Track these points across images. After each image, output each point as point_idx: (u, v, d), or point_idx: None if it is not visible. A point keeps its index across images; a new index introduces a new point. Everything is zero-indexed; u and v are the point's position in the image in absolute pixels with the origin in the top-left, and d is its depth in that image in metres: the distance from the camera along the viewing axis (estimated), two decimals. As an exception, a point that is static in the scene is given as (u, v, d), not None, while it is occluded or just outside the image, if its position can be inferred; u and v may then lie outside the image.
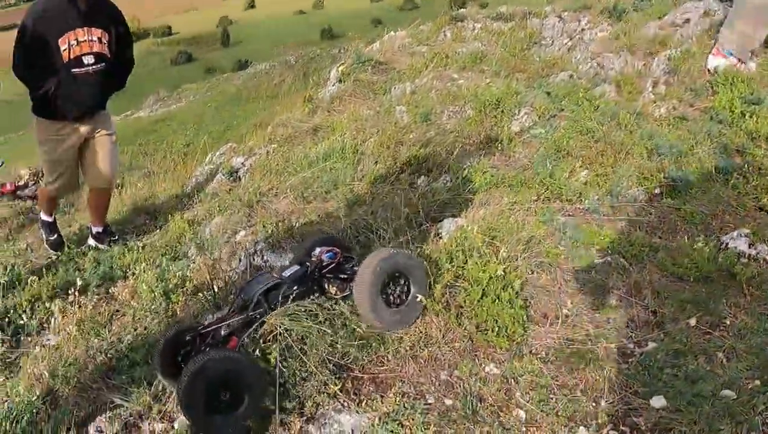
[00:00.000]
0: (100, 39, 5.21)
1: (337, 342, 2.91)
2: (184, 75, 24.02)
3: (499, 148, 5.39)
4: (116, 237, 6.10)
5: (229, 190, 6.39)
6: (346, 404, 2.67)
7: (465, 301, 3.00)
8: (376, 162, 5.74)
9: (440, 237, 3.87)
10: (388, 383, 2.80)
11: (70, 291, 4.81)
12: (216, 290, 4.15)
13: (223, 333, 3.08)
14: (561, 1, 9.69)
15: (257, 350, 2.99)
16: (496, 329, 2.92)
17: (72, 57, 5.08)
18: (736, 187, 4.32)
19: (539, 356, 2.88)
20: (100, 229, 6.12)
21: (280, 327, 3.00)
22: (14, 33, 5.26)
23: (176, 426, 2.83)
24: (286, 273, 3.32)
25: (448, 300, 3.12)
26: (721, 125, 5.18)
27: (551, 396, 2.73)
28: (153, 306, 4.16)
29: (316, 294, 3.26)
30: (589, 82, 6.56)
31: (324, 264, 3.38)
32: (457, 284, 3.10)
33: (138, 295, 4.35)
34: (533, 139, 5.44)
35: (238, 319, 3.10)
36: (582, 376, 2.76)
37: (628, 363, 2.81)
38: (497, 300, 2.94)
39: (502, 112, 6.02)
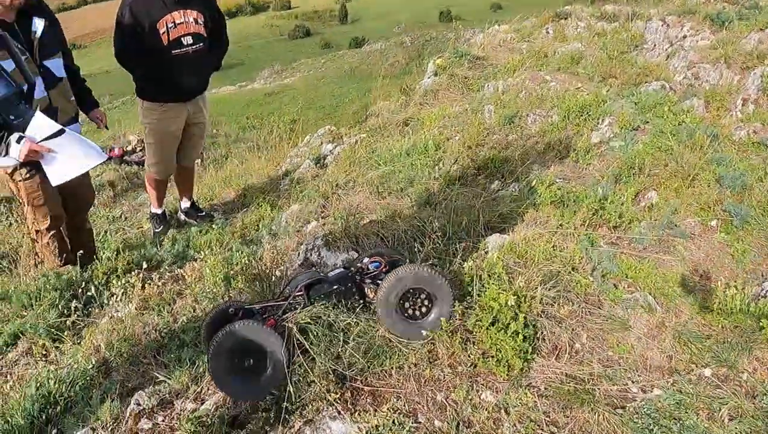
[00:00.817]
0: (196, 20, 5.38)
1: (345, 352, 3.02)
2: (300, 49, 24.49)
3: (574, 159, 5.37)
4: (203, 213, 6.38)
5: (314, 176, 6.60)
6: (341, 413, 2.75)
7: (474, 326, 3.03)
8: (456, 161, 5.82)
9: (486, 253, 3.92)
10: (385, 397, 2.86)
11: (144, 267, 5.19)
12: (273, 280, 4.33)
13: (264, 314, 3.34)
14: (668, 4, 9.42)
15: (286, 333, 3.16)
16: (499, 358, 2.93)
17: (171, 39, 5.26)
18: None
19: (537, 389, 2.87)
20: (188, 204, 6.42)
21: (296, 325, 3.17)
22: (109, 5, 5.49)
23: (204, 406, 2.98)
24: (332, 272, 3.52)
25: (460, 324, 3.14)
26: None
27: (539, 431, 2.72)
28: (213, 290, 4.31)
29: (356, 297, 3.40)
30: (679, 95, 6.40)
31: (367, 271, 3.54)
32: (471, 308, 3.14)
33: (202, 278, 4.52)
34: (610, 151, 5.39)
35: (279, 304, 3.36)
36: (574, 416, 2.73)
37: (625, 409, 2.75)
38: (504, 330, 2.95)
39: (585, 120, 5.97)
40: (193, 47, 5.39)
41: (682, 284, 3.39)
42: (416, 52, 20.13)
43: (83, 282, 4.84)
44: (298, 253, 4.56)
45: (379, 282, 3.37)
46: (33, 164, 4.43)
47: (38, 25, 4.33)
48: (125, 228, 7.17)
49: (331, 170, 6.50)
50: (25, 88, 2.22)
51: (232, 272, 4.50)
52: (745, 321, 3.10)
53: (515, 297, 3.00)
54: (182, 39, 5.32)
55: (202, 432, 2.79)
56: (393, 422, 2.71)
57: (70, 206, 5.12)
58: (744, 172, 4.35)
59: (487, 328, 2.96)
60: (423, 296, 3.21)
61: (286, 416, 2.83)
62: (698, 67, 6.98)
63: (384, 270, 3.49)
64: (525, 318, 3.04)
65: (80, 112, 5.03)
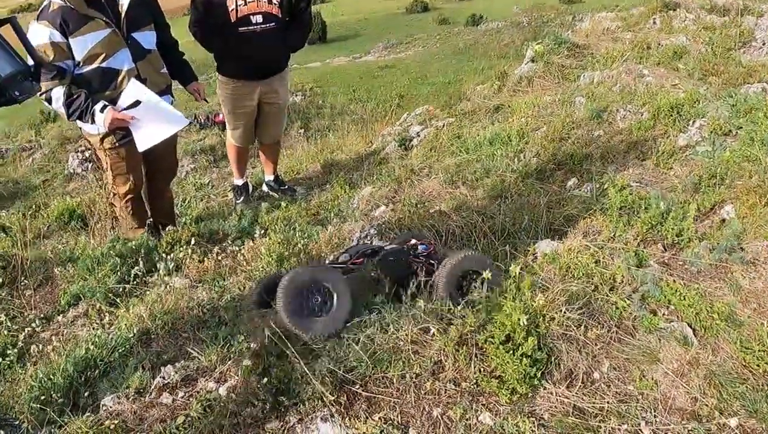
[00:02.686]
0: (269, 0, 5.28)
1: (350, 353, 2.92)
2: (417, 24, 24.22)
3: (655, 162, 5.03)
4: (285, 187, 6.38)
5: (398, 158, 6.47)
6: (334, 415, 2.64)
7: (485, 342, 2.82)
8: (537, 154, 5.58)
9: (535, 259, 3.72)
10: (380, 405, 2.71)
11: (208, 239, 5.23)
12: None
13: None
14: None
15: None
16: (503, 379, 2.71)
17: (239, 16, 5.18)
18: None
19: (539, 418, 2.62)
20: (272, 178, 6.43)
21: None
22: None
23: (221, 390, 2.91)
24: (388, 246, 3.67)
25: (471, 337, 2.93)
26: None
27: (528, 464, 2.53)
28: (266, 270, 4.23)
29: (406, 272, 3.44)
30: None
31: (417, 250, 3.63)
32: (491, 322, 2.95)
33: (259, 256, 4.43)
34: (695, 156, 5.02)
35: (339, 264, 3.52)
36: (570, 452, 2.51)
37: (628, 453, 2.49)
38: (513, 351, 2.72)
39: (675, 120, 5.59)
40: (262, 26, 5.28)
41: (729, 318, 3.02)
42: (532, 34, 19.53)
43: (148, 250, 4.91)
44: (353, 240, 4.48)
45: (431, 261, 3.51)
46: (122, 133, 4.53)
47: None
48: (211, 195, 7.28)
49: (414, 153, 6.36)
50: (32, 66, 2.22)
51: (287, 253, 4.46)
52: (789, 368, 2.73)
53: (527, 316, 2.77)
54: (251, 17, 5.23)
55: (208, 414, 2.75)
56: (382, 432, 2.58)
57: (153, 174, 5.22)
58: None
59: (498, 346, 2.76)
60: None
61: (282, 409, 2.75)
62: (807, 70, 6.44)
63: (432, 252, 3.59)
64: (539, 339, 2.82)
65: (174, 85, 5.09)
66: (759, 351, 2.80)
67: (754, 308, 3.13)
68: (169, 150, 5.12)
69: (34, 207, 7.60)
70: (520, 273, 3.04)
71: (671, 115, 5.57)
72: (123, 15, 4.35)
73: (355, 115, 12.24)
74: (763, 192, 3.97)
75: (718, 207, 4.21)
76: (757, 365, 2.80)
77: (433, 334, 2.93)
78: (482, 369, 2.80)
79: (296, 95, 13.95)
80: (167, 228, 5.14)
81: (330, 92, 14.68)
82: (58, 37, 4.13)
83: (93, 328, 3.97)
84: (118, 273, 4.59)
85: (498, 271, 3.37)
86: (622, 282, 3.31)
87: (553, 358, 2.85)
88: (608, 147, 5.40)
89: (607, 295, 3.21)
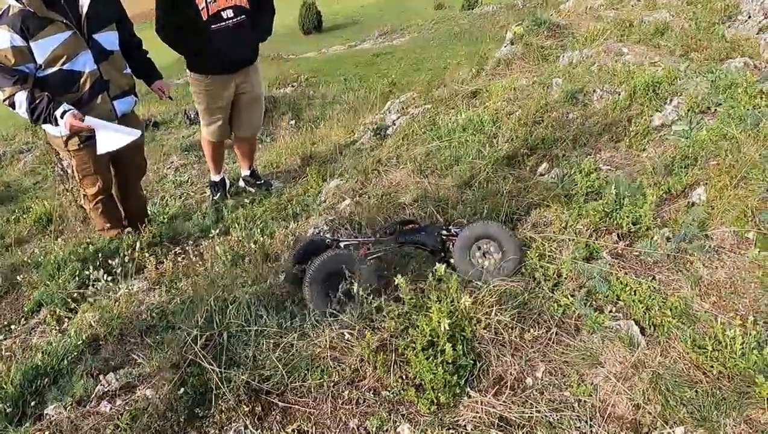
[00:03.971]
0: None
1: (266, 362, 2.67)
2: (412, 9, 23.86)
3: (627, 144, 4.73)
4: (261, 181, 6.14)
5: (373, 148, 6.20)
6: (248, 427, 2.43)
7: (407, 348, 2.57)
8: (510, 139, 5.29)
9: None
10: (295, 416, 2.48)
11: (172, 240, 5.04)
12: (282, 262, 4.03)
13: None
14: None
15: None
16: (424, 388, 2.46)
17: (210, 14, 4.98)
18: None
19: (462, 430, 2.35)
20: (248, 172, 6.20)
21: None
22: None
23: (151, 399, 2.74)
24: (422, 223, 3.80)
25: (391, 343, 2.70)
26: None
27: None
28: (219, 271, 4.02)
29: (439, 247, 3.56)
30: (763, 74, 5.56)
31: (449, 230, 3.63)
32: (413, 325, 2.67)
33: (216, 257, 4.25)
34: (670, 137, 4.72)
35: (370, 239, 3.65)
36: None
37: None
38: (433, 357, 2.46)
39: (652, 99, 5.27)
40: (234, 20, 5.08)
41: (683, 313, 2.70)
42: (527, 15, 19.17)
43: (109, 253, 4.74)
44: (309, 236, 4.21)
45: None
46: (86, 135, 4.42)
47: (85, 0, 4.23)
48: (189, 193, 7.04)
49: (388, 142, 6.08)
50: None
51: (242, 252, 4.25)
52: (744, 370, 2.39)
53: (452, 319, 2.48)
54: (222, 13, 5.02)
55: (135, 424, 2.53)
56: (293, 444, 2.32)
57: (122, 175, 5.10)
58: None
59: (418, 353, 2.48)
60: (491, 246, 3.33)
61: (198, 421, 2.54)
62: (791, 41, 6.08)
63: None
64: (464, 344, 2.54)
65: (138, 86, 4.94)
66: (713, 350, 2.47)
67: (714, 302, 2.83)
68: (136, 150, 4.98)
69: (17, 211, 7.42)
70: (446, 271, 2.75)
71: (647, 94, 5.25)
72: (83, 16, 4.24)
73: (346, 105, 11.92)
74: (735, 173, 3.66)
75: (690, 189, 3.91)
76: (710, 366, 2.48)
77: (350, 340, 2.67)
78: (403, 377, 2.55)
79: (288, 86, 13.67)
80: (126, 231, 5.05)
81: (323, 81, 14.39)
82: (18, 41, 4.00)
83: (50, 335, 3.81)
84: (78, 277, 4.47)
85: (513, 239, 3.32)
86: (568, 277, 3.01)
87: (480, 364, 2.56)
88: (582, 129, 5.09)
89: (549, 292, 2.91)
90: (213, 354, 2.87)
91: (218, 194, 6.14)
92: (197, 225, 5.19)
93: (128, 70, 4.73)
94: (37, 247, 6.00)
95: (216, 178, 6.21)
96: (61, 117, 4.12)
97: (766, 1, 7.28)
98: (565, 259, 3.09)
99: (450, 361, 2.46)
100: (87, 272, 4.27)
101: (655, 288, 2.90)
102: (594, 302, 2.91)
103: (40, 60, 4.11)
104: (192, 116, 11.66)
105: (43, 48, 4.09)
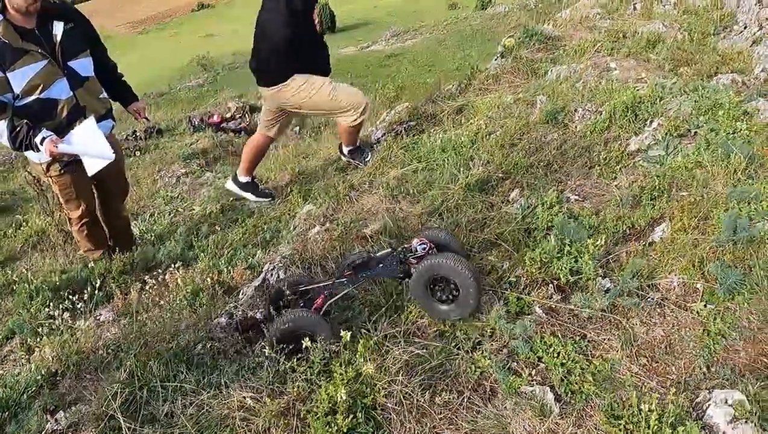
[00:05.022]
0: None
1: (178, 423, 2.56)
2: (426, 9, 23.60)
3: (598, 172, 4.53)
4: (367, 157, 6.06)
5: (355, 167, 6.05)
6: None
7: (309, 413, 2.41)
8: (486, 162, 5.12)
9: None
10: None
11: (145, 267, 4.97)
12: (240, 296, 3.94)
13: (311, 295, 3.51)
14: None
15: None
16: None
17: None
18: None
19: None
20: (351, 148, 6.19)
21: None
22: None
23: None
24: (379, 253, 3.53)
25: (296, 407, 2.60)
26: None
27: None
28: (177, 305, 3.97)
29: (401, 276, 3.41)
30: (750, 92, 5.32)
31: (413, 252, 3.41)
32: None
33: (178, 288, 4.18)
34: (645, 163, 4.51)
35: (327, 284, 3.49)
36: None
37: None
38: (332, 424, 2.30)
39: (631, 121, 5.07)
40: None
41: (607, 378, 2.50)
42: (539, 16, 18.90)
43: (81, 282, 4.71)
44: (263, 272, 4.08)
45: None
46: (65, 160, 4.44)
47: (57, 28, 4.22)
48: (179, 209, 6.96)
49: (371, 161, 5.92)
50: None
51: (203, 285, 4.16)
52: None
53: (349, 388, 2.34)
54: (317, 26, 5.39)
55: None
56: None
57: (105, 197, 5.12)
58: (749, 218, 3.32)
59: (318, 419, 2.34)
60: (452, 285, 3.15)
61: None
62: (783, 57, 5.83)
63: (430, 252, 3.38)
64: (365, 411, 2.39)
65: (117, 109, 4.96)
66: (627, 422, 2.28)
67: (644, 364, 2.63)
68: (118, 174, 5.05)
69: (14, 225, 7.39)
70: (352, 336, 2.61)
71: (625, 115, 5.04)
72: (57, 45, 4.22)
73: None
74: (696, 211, 3.46)
75: (654, 225, 3.72)
76: (623, 439, 2.23)
77: (259, 401, 2.54)
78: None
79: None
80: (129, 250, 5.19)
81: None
82: None
83: (20, 365, 3.76)
84: (49, 306, 4.36)
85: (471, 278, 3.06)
86: (492, 335, 2.85)
87: (381, 432, 2.42)
88: (558, 153, 4.91)
89: (469, 353, 2.75)
90: (134, 408, 2.78)
91: (369, 156, 6.07)
92: (168, 252, 5.08)
93: (104, 95, 4.70)
94: (26, 265, 5.98)
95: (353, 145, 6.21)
96: (41, 143, 4.10)
97: (762, 11, 7.00)
98: (492, 316, 2.92)
99: (346, 430, 2.32)
100: (62, 301, 4.29)
101: (581, 348, 2.72)
102: (515, 364, 2.74)
103: (17, 90, 4.10)
104: (196, 124, 11.60)
105: (20, 78, 4.09)
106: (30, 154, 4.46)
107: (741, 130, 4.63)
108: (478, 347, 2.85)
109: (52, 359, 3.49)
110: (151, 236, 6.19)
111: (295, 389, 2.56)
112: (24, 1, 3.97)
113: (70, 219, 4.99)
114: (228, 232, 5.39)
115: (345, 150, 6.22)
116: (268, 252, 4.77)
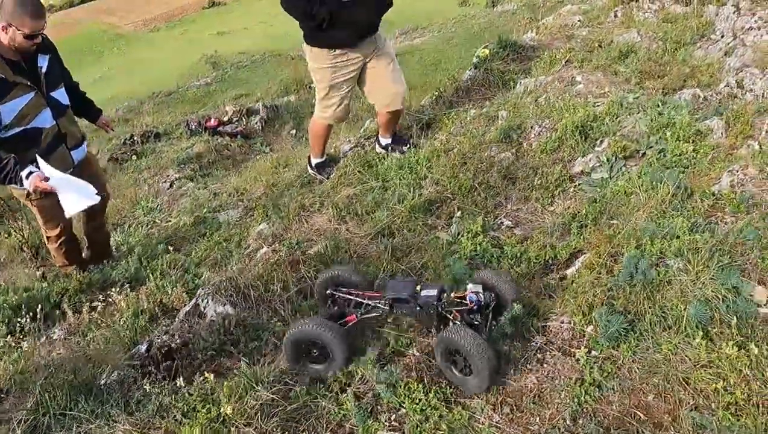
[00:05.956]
0: None
1: None
2: (437, 7, 23.43)
3: (536, 196, 4.47)
4: (408, 144, 5.87)
5: (320, 182, 6.00)
6: None
7: None
8: (437, 182, 5.08)
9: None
10: None
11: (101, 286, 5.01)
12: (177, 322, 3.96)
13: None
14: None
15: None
16: None
17: None
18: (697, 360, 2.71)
19: None
20: (389, 141, 5.96)
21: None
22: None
23: None
24: (425, 291, 3.16)
25: None
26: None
27: None
28: (117, 327, 4.04)
29: (434, 328, 3.15)
30: (710, 109, 5.19)
31: (459, 303, 3.10)
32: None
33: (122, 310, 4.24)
34: (584, 188, 4.44)
35: (368, 302, 3.29)
36: None
37: None
38: None
39: (578, 141, 4.98)
40: None
41: (464, 426, 2.47)
42: (547, 13, 18.64)
43: (39, 301, 4.76)
44: (195, 297, 4.08)
45: (473, 318, 3.04)
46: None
47: (42, 61, 4.36)
48: (155, 221, 6.99)
49: (333, 177, 5.88)
50: None
51: (144, 306, 4.19)
52: None
53: (204, 429, 2.35)
54: None
55: None
56: None
57: (87, 211, 5.04)
58: (658, 257, 3.25)
59: None
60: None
61: None
62: (746, 71, 5.68)
63: (484, 304, 3.06)
64: None
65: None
66: None
67: (507, 413, 2.61)
68: (101, 188, 4.99)
69: (3, 233, 7.49)
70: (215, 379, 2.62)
71: (573, 136, 4.96)
72: (42, 76, 4.35)
73: (353, 113, 11.65)
74: (608, 247, 3.39)
75: (575, 257, 3.67)
76: None
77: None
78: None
79: (291, 94, 13.56)
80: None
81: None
82: None
83: None
84: (8, 324, 4.50)
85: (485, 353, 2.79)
86: (362, 378, 2.84)
87: None
88: (504, 174, 4.85)
89: (337, 395, 2.75)
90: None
91: (331, 173, 5.91)
92: (122, 271, 5.12)
93: (77, 120, 4.85)
94: (6, 277, 6.08)
95: (320, 159, 6.02)
96: (26, 178, 4.16)
97: (738, 20, 6.85)
98: (368, 357, 2.91)
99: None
100: (20, 319, 4.40)
101: (444, 395, 2.69)
102: (378, 408, 2.73)
103: (6, 121, 4.20)
104: (193, 127, 11.61)
105: (10, 110, 4.19)
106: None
107: (687, 152, 4.55)
108: (346, 389, 2.84)
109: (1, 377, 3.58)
110: (125, 248, 6.22)
111: (165, 425, 2.58)
112: (27, 42, 4.11)
113: (48, 237, 5.08)
114: (191, 247, 5.40)
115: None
116: (217, 272, 4.79)
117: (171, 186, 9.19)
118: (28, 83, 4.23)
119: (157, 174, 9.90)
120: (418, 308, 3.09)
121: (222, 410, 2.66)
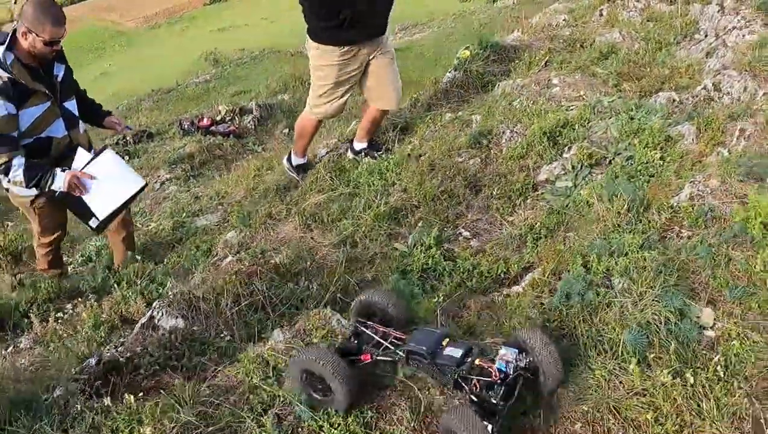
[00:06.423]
0: None
1: None
2: (437, 4, 23.21)
3: (495, 207, 4.38)
4: (381, 150, 5.80)
5: (295, 187, 5.92)
6: None
7: None
8: (405, 189, 5.00)
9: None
10: None
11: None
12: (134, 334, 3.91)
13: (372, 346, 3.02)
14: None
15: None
16: None
17: None
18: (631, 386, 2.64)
19: None
20: (364, 145, 5.87)
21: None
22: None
23: None
24: (446, 351, 2.76)
25: None
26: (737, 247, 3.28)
27: None
28: (81, 336, 4.02)
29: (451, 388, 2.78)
30: (684, 114, 5.08)
31: (482, 370, 2.65)
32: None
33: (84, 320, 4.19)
34: (547, 197, 4.36)
35: (388, 344, 2.95)
36: None
37: None
38: None
39: (546, 147, 4.89)
40: None
41: None
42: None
43: (9, 309, 4.79)
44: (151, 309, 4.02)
45: (490, 394, 2.57)
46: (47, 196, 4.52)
47: (59, 70, 4.35)
48: (137, 225, 6.93)
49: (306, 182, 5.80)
50: None
51: (105, 317, 4.16)
52: None
53: None
54: None
55: None
56: None
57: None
58: (603, 276, 3.14)
59: None
60: None
61: None
62: (724, 74, 5.55)
63: (512, 376, 2.60)
64: None
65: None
66: None
67: None
68: None
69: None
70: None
71: (542, 142, 4.87)
72: (58, 86, 4.34)
73: (346, 112, 11.57)
74: (559, 263, 3.30)
75: (527, 271, 3.59)
76: None
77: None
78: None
79: (285, 93, 13.49)
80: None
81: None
82: (12, 109, 4.07)
83: None
84: None
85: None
86: (285, 399, 2.80)
87: None
88: (469, 181, 4.77)
89: (261, 416, 2.72)
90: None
91: (305, 176, 5.83)
92: (87, 281, 5.09)
93: (85, 129, 4.77)
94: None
95: (302, 160, 5.96)
96: (62, 171, 4.24)
97: (722, 19, 6.72)
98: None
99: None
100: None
101: (363, 418, 2.64)
102: (300, 430, 2.72)
103: (23, 128, 4.18)
104: (186, 127, 11.56)
105: (28, 116, 4.17)
106: (18, 189, 4.47)
107: (654, 160, 4.45)
108: (269, 410, 2.81)
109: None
110: (105, 253, 6.18)
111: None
112: (46, 49, 4.08)
113: (41, 243, 5.08)
114: (164, 253, 5.35)
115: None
116: (182, 282, 4.73)
117: (161, 186, 9.17)
118: (46, 91, 4.20)
119: (149, 174, 9.84)
120: (436, 368, 2.74)
121: (142, 431, 2.61)
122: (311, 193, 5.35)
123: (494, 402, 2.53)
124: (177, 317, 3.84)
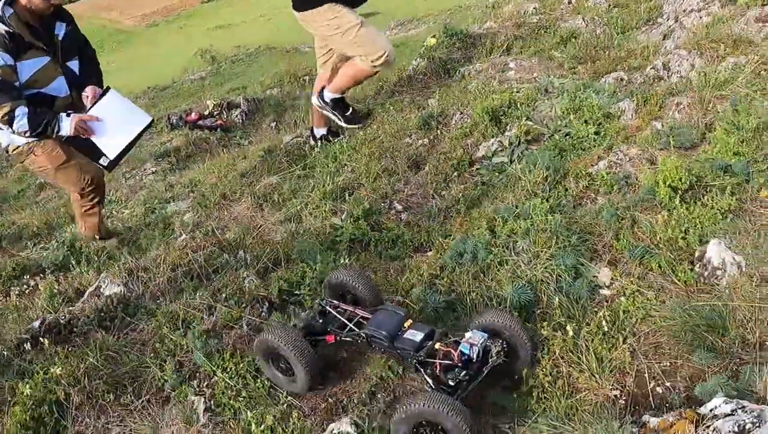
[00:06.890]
0: None
1: None
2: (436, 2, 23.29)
3: (429, 182, 4.51)
4: (340, 136, 5.81)
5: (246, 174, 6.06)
6: None
7: None
8: (353, 170, 5.14)
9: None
10: None
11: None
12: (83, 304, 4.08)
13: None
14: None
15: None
16: None
17: None
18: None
19: None
20: (324, 131, 5.92)
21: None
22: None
23: None
24: (408, 334, 2.72)
25: None
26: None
27: None
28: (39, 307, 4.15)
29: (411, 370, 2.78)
30: (621, 93, 5.19)
31: (444, 354, 2.62)
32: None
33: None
34: (482, 172, 4.48)
35: (353, 325, 2.91)
36: None
37: None
38: None
39: (488, 126, 5.01)
40: None
41: (263, 396, 2.71)
42: (541, 3, 18.49)
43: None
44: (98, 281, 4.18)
45: (448, 377, 2.55)
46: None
47: (60, 29, 4.43)
48: (114, 212, 7.10)
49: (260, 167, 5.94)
50: None
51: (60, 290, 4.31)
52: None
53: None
54: None
55: None
56: None
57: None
58: (506, 238, 3.22)
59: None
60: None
61: None
62: (673, 53, 5.65)
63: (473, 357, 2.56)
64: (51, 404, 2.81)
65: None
66: None
67: None
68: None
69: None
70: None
71: (484, 121, 4.99)
72: (59, 44, 4.41)
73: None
74: (469, 226, 3.43)
75: (447, 242, 3.71)
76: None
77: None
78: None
79: (274, 88, 13.60)
80: None
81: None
82: (9, 60, 4.15)
83: None
84: None
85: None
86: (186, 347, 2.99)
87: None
88: (413, 160, 4.90)
89: (164, 362, 3.00)
90: None
91: (349, 110, 5.64)
92: (50, 259, 5.25)
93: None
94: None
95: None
96: (67, 116, 4.27)
97: (684, 2, 6.80)
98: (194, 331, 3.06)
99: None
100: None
101: (255, 366, 2.81)
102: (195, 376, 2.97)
103: (22, 80, 4.25)
104: (174, 121, 11.71)
105: (26, 69, 4.23)
106: (16, 139, 4.47)
107: (589, 135, 4.57)
108: (172, 358, 2.99)
109: None
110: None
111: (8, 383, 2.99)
112: (44, 4, 4.19)
113: (75, 199, 5.01)
114: (129, 236, 5.51)
115: (327, 95, 5.51)
116: (139, 259, 4.86)
117: (142, 179, 9.31)
118: (44, 47, 4.25)
119: (136, 168, 10.01)
120: (397, 351, 2.72)
121: (53, 370, 2.92)
122: (264, 175, 5.50)
123: (451, 384, 2.52)
124: (119, 285, 4.00)
